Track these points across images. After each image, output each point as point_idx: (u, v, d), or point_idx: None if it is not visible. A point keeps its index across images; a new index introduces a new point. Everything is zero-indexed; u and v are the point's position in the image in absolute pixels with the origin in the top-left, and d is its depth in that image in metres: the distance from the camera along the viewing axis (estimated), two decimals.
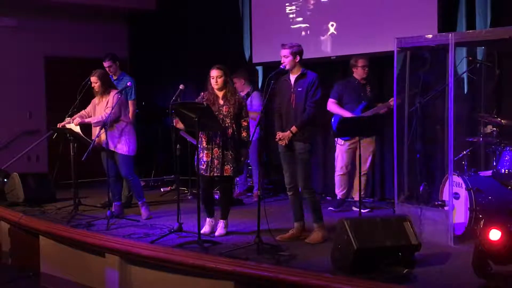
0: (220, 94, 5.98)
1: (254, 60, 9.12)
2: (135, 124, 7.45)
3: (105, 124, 6.44)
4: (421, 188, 6.30)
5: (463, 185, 5.63)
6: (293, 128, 5.66)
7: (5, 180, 8.12)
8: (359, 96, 6.98)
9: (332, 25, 8.13)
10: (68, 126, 6.91)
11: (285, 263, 4.96)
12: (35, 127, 10.15)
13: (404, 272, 4.53)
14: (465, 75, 6.58)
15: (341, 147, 7.02)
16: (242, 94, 7.96)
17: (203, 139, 5.93)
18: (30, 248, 6.82)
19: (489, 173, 5.85)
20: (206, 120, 5.64)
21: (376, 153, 7.47)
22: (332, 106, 7.02)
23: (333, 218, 6.02)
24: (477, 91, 6.57)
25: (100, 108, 6.79)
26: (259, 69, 9.22)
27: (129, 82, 7.16)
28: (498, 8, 6.65)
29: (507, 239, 4.21)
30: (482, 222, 5.28)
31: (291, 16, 8.64)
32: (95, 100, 6.90)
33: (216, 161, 5.88)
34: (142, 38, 10.99)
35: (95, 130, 6.75)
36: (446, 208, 5.68)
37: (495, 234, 4.24)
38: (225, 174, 5.91)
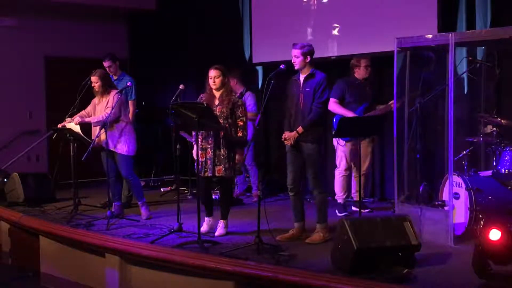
0: (217, 94, 5.98)
1: (254, 60, 9.12)
2: (135, 124, 7.46)
3: (105, 124, 6.44)
4: (421, 188, 6.30)
5: (463, 185, 5.63)
6: (299, 129, 5.65)
7: (5, 180, 8.13)
8: (361, 96, 6.93)
9: (332, 25, 8.12)
10: (68, 125, 6.91)
11: (285, 263, 4.97)
12: (35, 127, 10.15)
13: (404, 272, 4.52)
14: (465, 75, 6.57)
15: (343, 148, 6.96)
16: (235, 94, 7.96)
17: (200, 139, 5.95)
18: (30, 248, 6.82)
19: (489, 173, 5.85)
20: (206, 120, 5.64)
21: (376, 153, 7.47)
22: (334, 105, 6.85)
23: (333, 218, 6.01)
24: (477, 91, 6.57)
25: (100, 108, 6.79)
26: (259, 69, 9.21)
27: (129, 82, 7.16)
28: (498, 8, 6.65)
29: (507, 239, 4.21)
30: (482, 222, 5.27)
31: (291, 16, 8.63)
32: (95, 100, 6.90)
33: (209, 161, 5.88)
34: (142, 38, 10.99)
35: (95, 130, 6.75)
36: (446, 208, 5.68)
37: (495, 234, 4.24)
38: (217, 174, 5.91)
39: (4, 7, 9.64)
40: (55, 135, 7.40)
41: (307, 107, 5.67)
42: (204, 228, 6.04)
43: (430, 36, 5.94)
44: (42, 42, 10.22)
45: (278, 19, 8.77)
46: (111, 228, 6.33)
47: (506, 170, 5.55)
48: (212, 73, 5.95)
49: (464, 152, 6.01)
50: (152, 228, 6.32)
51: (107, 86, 6.82)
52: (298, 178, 5.82)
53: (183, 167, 6.76)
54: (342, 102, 6.93)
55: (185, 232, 5.88)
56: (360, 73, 6.98)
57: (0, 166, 8.60)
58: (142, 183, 7.83)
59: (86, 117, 6.85)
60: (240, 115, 5.93)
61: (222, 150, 5.88)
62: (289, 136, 5.71)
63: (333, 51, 8.18)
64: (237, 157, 5.92)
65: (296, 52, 5.70)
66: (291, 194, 5.89)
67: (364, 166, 6.99)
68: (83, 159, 6.33)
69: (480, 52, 6.63)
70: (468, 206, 5.52)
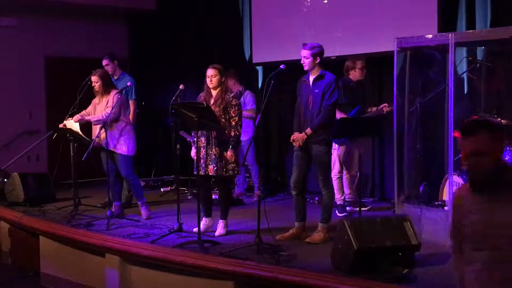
0: (214, 93, 5.99)
1: (254, 60, 9.12)
2: (135, 124, 7.46)
3: (105, 124, 6.44)
4: (421, 188, 6.30)
5: None
6: (308, 130, 5.64)
7: (5, 180, 8.13)
8: (355, 98, 6.89)
9: (332, 25, 8.12)
10: (67, 124, 6.92)
11: (285, 263, 4.96)
12: (35, 127, 10.15)
13: (404, 272, 4.52)
14: (465, 75, 6.57)
15: (336, 151, 6.91)
16: (233, 94, 7.94)
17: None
18: (30, 248, 6.82)
19: None
20: (206, 120, 5.64)
21: (376, 153, 7.45)
22: None
23: (333, 218, 6.01)
24: (477, 91, 6.57)
25: (100, 107, 6.79)
26: (259, 69, 9.22)
27: (129, 82, 7.16)
28: (498, 8, 6.65)
29: None
30: None
31: (291, 16, 8.63)
32: (95, 100, 6.90)
33: (202, 161, 5.89)
34: (142, 38, 10.99)
35: (95, 130, 6.75)
36: (446, 208, 5.68)
37: None
38: (209, 174, 5.91)
39: (4, 7, 9.63)
40: (55, 135, 7.40)
41: (316, 108, 5.65)
42: (201, 228, 6.03)
43: (430, 36, 5.94)
44: (42, 42, 10.22)
45: (278, 19, 8.77)
46: (111, 228, 6.33)
47: None
48: (210, 72, 5.96)
49: None
50: (152, 228, 6.32)
51: (108, 86, 6.82)
52: (302, 178, 5.82)
53: (183, 167, 6.76)
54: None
55: (185, 232, 5.88)
56: (355, 75, 6.92)
57: (0, 166, 8.60)
58: (142, 183, 7.83)
59: (86, 116, 6.86)
60: (233, 115, 5.92)
61: (214, 149, 5.89)
62: (297, 138, 5.70)
63: (333, 51, 8.16)
64: (228, 154, 5.89)
65: (305, 52, 5.67)
66: (294, 193, 5.88)
67: (357, 167, 6.94)
68: (83, 159, 6.33)
69: (480, 52, 6.63)
70: None
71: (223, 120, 5.87)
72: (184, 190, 8.30)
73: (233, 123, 5.91)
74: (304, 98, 5.76)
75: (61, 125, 6.99)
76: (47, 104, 10.39)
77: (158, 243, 5.67)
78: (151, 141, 9.96)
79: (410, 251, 4.72)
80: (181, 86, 6.40)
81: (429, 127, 6.69)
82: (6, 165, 8.63)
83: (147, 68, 10.52)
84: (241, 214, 6.89)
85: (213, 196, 6.55)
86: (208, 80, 5.97)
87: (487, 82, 6.48)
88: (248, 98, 7.98)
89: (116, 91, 6.79)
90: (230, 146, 5.87)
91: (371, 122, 6.59)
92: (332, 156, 6.98)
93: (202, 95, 6.09)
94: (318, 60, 5.68)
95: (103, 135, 6.50)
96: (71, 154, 7.03)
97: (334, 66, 8.16)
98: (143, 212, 6.89)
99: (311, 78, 5.74)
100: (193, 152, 6.06)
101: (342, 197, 7.00)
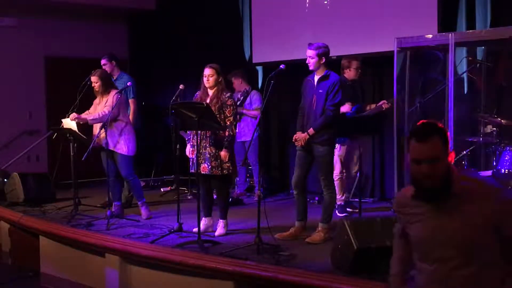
0: (210, 92, 6.00)
1: (254, 60, 9.12)
2: (136, 123, 7.45)
3: (104, 124, 6.44)
4: None
5: None
6: (310, 130, 5.63)
7: (5, 180, 8.12)
8: (352, 97, 6.87)
9: (332, 25, 8.12)
10: (64, 122, 6.92)
11: (285, 263, 4.96)
12: (35, 127, 10.16)
13: None
14: (465, 75, 6.58)
15: (337, 152, 6.90)
16: (239, 93, 7.97)
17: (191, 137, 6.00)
18: (30, 248, 6.82)
19: (489, 173, 5.85)
20: (206, 119, 5.64)
21: (376, 153, 7.45)
22: None
23: (333, 218, 6.01)
24: (477, 91, 6.57)
25: (100, 107, 6.79)
26: (259, 69, 9.22)
27: (129, 82, 7.16)
28: (498, 8, 6.65)
29: None
30: None
31: (291, 16, 8.63)
32: (96, 100, 6.90)
33: (196, 159, 5.89)
34: (142, 38, 10.99)
35: (96, 130, 6.75)
36: None
37: None
38: (202, 172, 5.90)
39: (4, 7, 9.64)
40: (55, 135, 7.40)
41: (320, 109, 5.64)
42: (201, 228, 6.03)
43: (430, 36, 5.95)
44: (42, 42, 10.22)
45: (278, 19, 8.77)
46: (111, 228, 6.32)
47: (506, 170, 5.55)
48: (207, 71, 5.97)
49: (464, 152, 6.01)
50: (152, 228, 6.31)
51: (107, 86, 6.82)
52: (304, 177, 5.81)
53: (183, 167, 6.75)
54: None
55: (185, 232, 5.88)
56: (350, 74, 6.86)
57: (0, 166, 8.60)
58: (142, 183, 7.83)
59: (82, 115, 6.83)
60: (228, 115, 5.91)
61: (209, 148, 5.89)
62: (299, 138, 5.70)
63: (333, 51, 8.15)
64: (222, 154, 5.89)
65: (311, 52, 5.65)
66: (295, 192, 5.88)
67: (357, 167, 6.94)
68: (83, 159, 6.33)
69: (480, 52, 6.63)
70: None
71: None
72: (184, 190, 8.30)
73: (228, 122, 5.91)
74: (308, 98, 5.75)
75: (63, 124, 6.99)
76: (47, 104, 10.40)
77: (158, 243, 5.67)
78: (151, 141, 9.96)
79: None
80: (181, 86, 6.40)
81: None
82: (6, 165, 8.63)
83: (147, 68, 10.52)
84: (241, 214, 6.89)
85: (214, 196, 6.54)
86: (205, 79, 5.98)
87: (487, 82, 6.48)
88: (254, 97, 8.00)
89: (116, 91, 6.79)
90: (224, 146, 5.87)
91: (371, 121, 6.57)
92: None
93: (198, 94, 6.09)
94: (324, 60, 5.67)
95: (103, 135, 6.51)
96: (71, 154, 7.03)
97: (334, 66, 8.22)
98: (143, 212, 6.89)
99: (316, 78, 5.73)
100: (188, 150, 6.07)
101: (343, 198, 6.99)
